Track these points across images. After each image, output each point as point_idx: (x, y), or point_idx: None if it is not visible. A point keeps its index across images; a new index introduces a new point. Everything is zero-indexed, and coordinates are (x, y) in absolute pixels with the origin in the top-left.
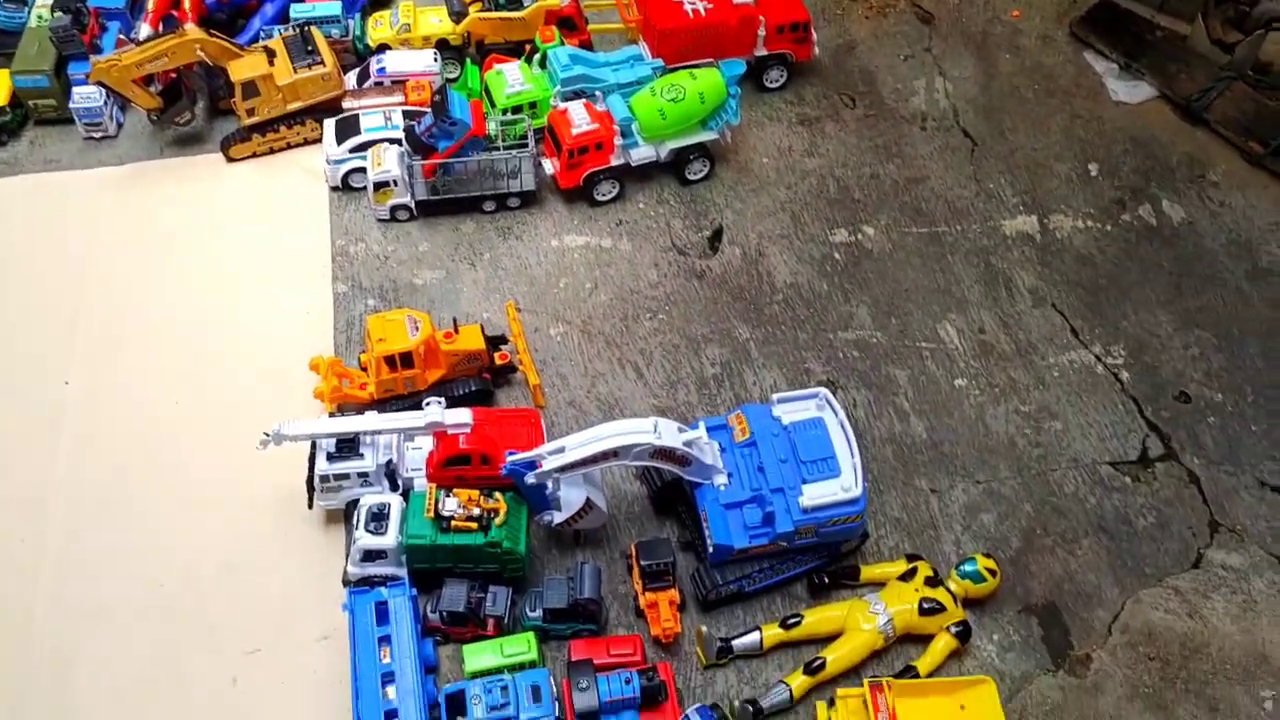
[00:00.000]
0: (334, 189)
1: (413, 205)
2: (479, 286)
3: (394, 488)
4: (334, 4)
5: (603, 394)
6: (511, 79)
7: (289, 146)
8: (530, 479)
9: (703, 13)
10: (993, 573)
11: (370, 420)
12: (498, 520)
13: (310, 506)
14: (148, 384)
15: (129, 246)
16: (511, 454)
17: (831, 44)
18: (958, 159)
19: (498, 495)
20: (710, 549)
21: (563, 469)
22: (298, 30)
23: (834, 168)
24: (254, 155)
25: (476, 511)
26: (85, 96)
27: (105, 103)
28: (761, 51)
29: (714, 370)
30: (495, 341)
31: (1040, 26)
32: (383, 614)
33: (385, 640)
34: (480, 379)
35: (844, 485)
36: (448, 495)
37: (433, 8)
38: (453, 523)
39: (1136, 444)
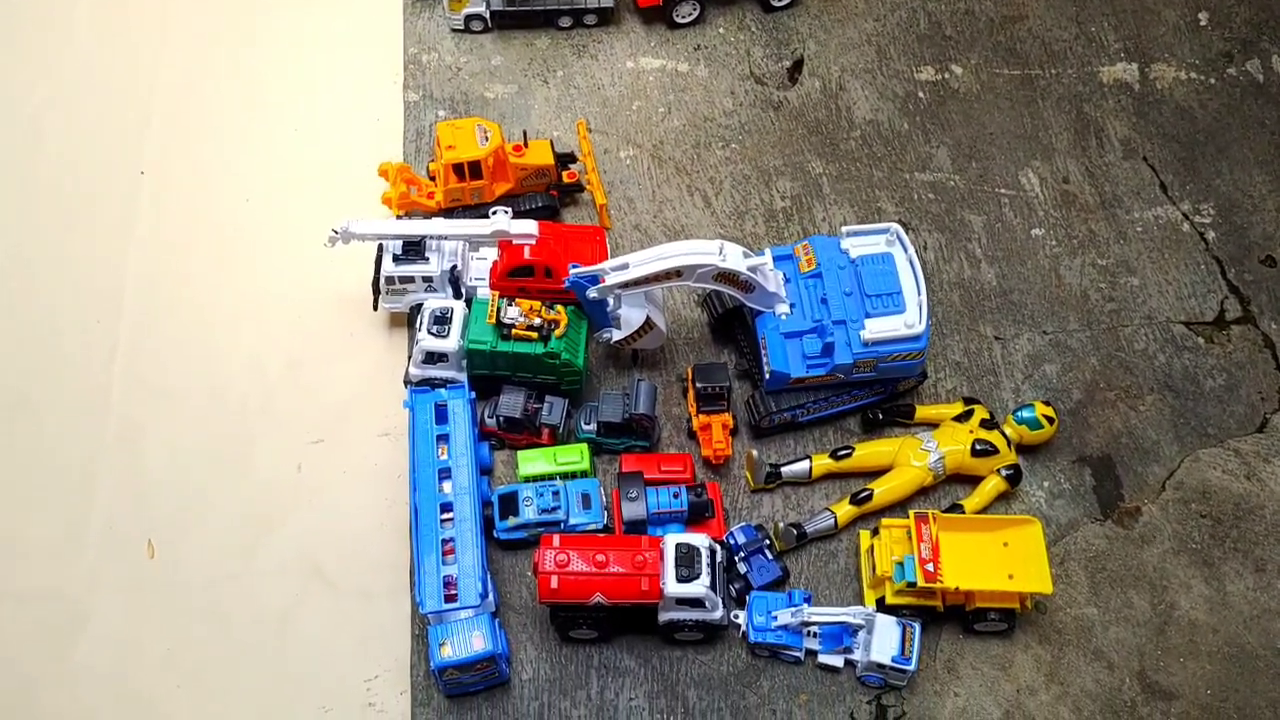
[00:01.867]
0: None
1: (488, 16)
2: (551, 104)
3: (458, 295)
4: None
5: (669, 220)
6: None
7: None
8: (592, 293)
9: None
10: (1050, 420)
11: (437, 225)
12: (558, 331)
13: (375, 308)
14: (220, 179)
15: (206, 37)
16: (575, 267)
17: None
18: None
19: (559, 308)
20: (767, 375)
21: (625, 285)
22: None
23: (927, 1)
24: None
25: (537, 321)
26: None
27: None
28: None
29: (784, 203)
30: (564, 160)
31: None
32: (441, 414)
33: (443, 439)
34: (548, 195)
35: (908, 321)
36: (510, 304)
37: None
38: (513, 330)
39: (1214, 305)
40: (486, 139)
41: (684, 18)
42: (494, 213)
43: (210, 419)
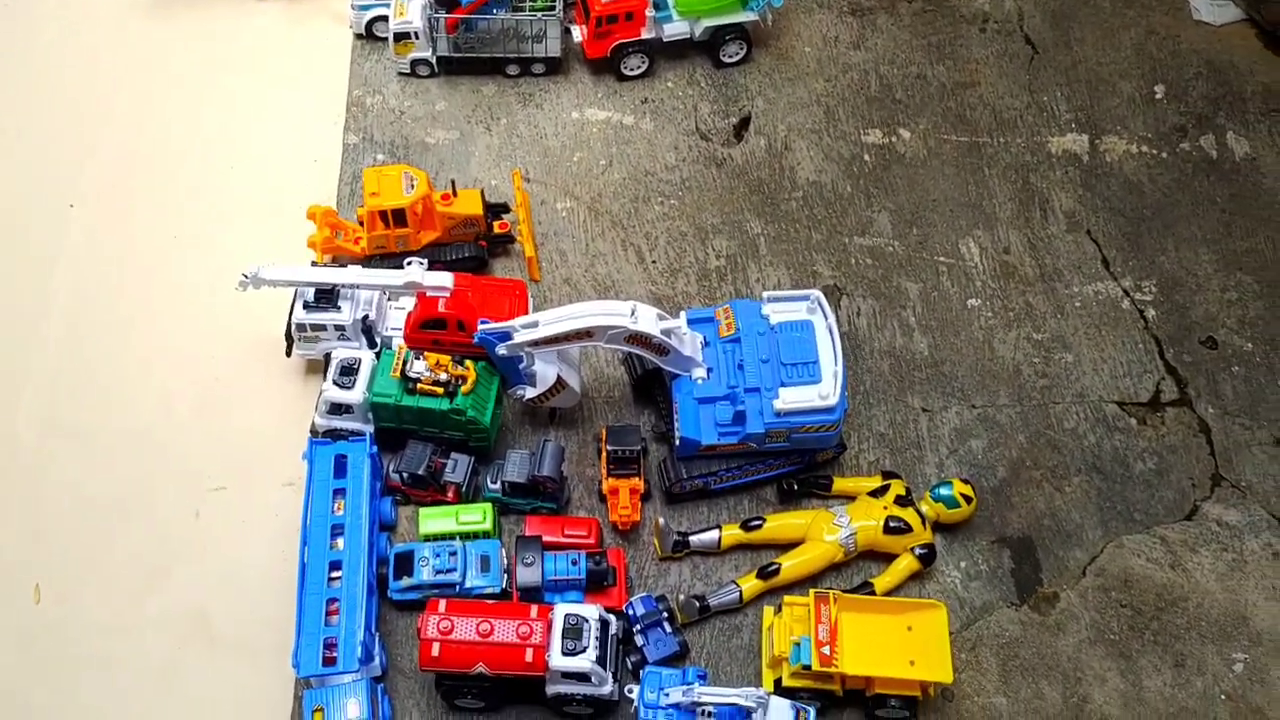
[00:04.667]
0: (358, 36)
1: (434, 61)
2: (491, 152)
3: (371, 344)
4: None
5: (600, 275)
6: None
7: None
8: (502, 350)
9: None
10: (968, 499)
11: (349, 274)
12: (464, 388)
13: (288, 354)
14: (151, 214)
15: (147, 75)
16: (484, 323)
17: None
18: (1014, 66)
19: (468, 363)
20: (677, 441)
21: (535, 343)
22: None
23: (880, 64)
24: None
25: (443, 377)
26: None
27: None
28: None
29: (718, 263)
30: (497, 209)
31: None
32: (341, 467)
33: (340, 494)
34: (476, 245)
35: (822, 393)
36: (417, 357)
37: None
38: (418, 385)
39: (1150, 385)
40: (413, 187)
41: (632, 70)
42: (409, 263)
43: (114, 459)
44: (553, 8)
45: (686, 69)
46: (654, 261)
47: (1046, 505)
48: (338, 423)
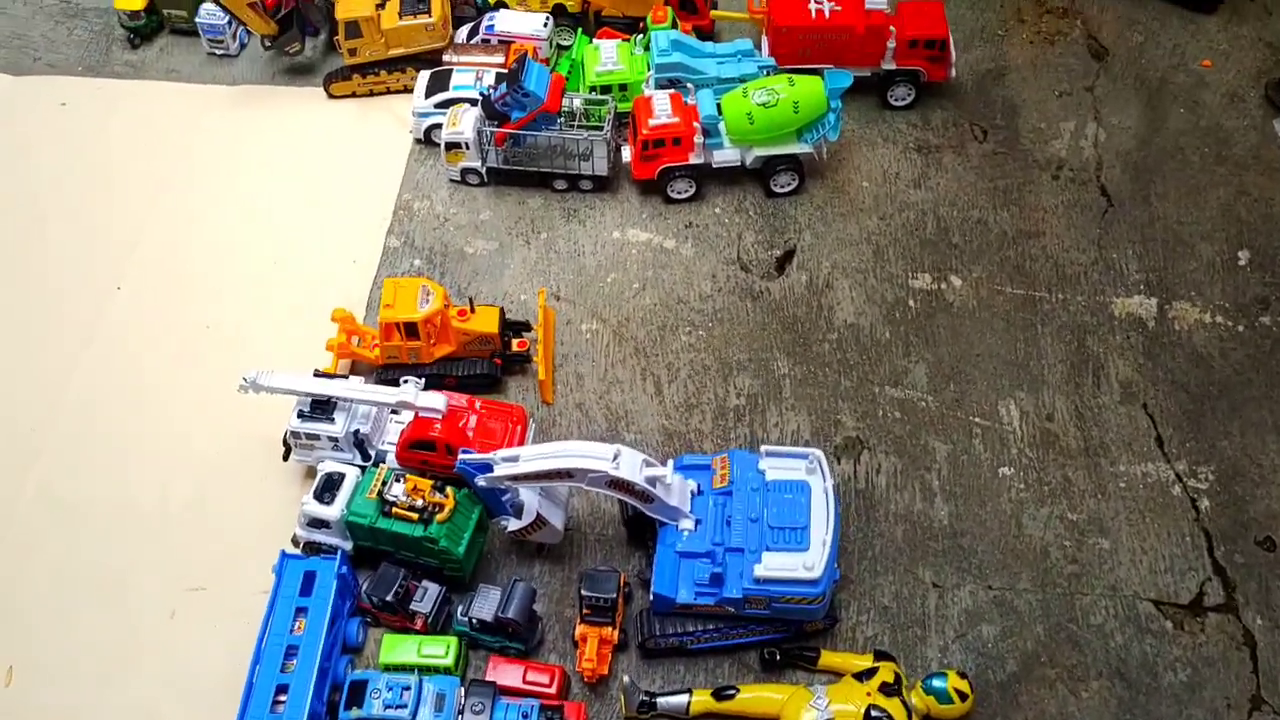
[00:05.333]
0: (417, 141)
1: (483, 171)
2: (527, 265)
3: (365, 458)
4: None
5: (615, 403)
6: (605, 56)
7: (389, 91)
8: (480, 481)
9: (827, 14)
10: (963, 695)
11: (342, 386)
12: (440, 516)
13: (285, 459)
14: (188, 301)
15: (213, 165)
16: (465, 452)
17: (980, 66)
18: (1084, 219)
19: (449, 490)
20: (652, 596)
21: (514, 478)
22: None
23: (939, 205)
24: (354, 95)
25: (419, 503)
26: (210, 12)
27: (228, 21)
28: (890, 65)
29: (738, 401)
30: (517, 327)
31: (1231, 82)
32: (310, 583)
33: (303, 613)
34: (490, 363)
35: (806, 563)
36: (397, 479)
37: None
38: (394, 509)
39: (1193, 585)
40: (428, 301)
41: (679, 194)
42: (404, 381)
43: (103, 542)
44: (600, 127)
45: (736, 196)
46: (672, 394)
47: (1059, 710)
48: (318, 536)
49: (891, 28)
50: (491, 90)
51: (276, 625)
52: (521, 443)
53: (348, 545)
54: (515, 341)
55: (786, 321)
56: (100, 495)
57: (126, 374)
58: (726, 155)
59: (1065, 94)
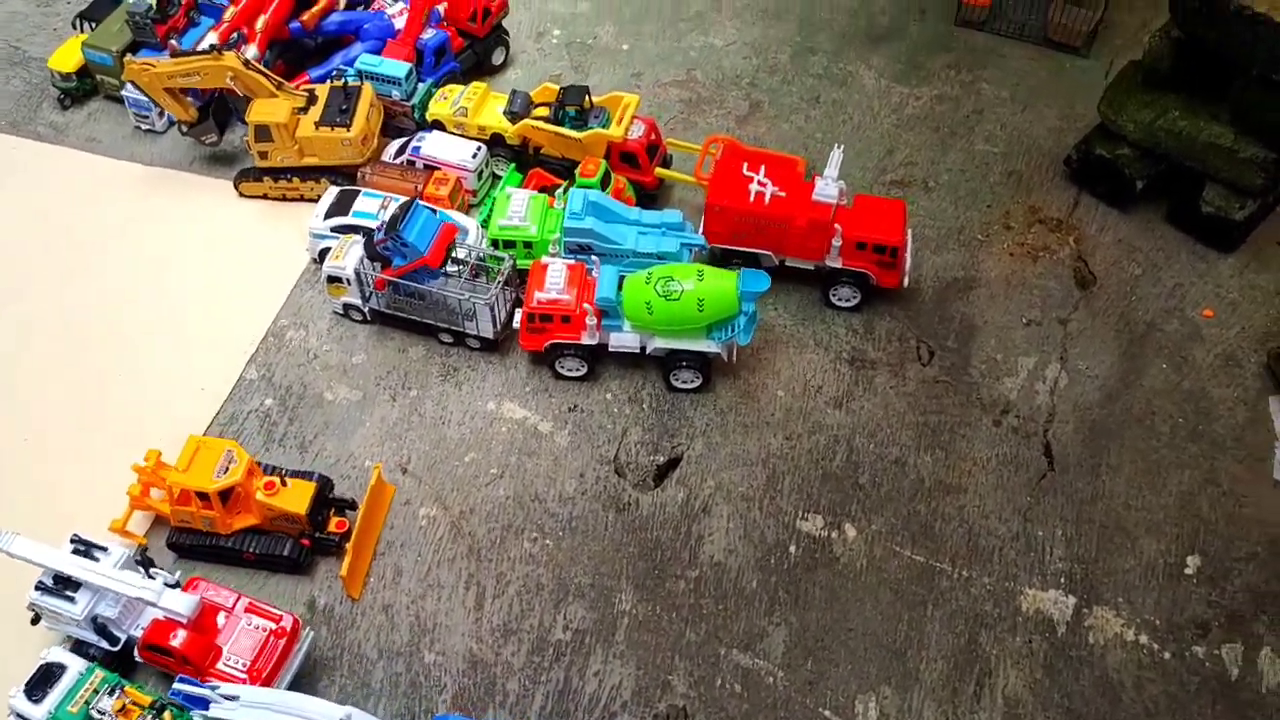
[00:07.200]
0: (314, 260)
1: (365, 311)
2: (384, 426)
3: (113, 642)
4: (403, 65)
5: (426, 612)
6: (512, 210)
7: (302, 199)
8: (196, 717)
9: (768, 199)
10: None
11: (85, 567)
12: None
13: (33, 624)
14: (37, 388)
15: (104, 246)
16: (183, 679)
17: (947, 273)
18: (1017, 481)
19: (167, 715)
20: None
21: None
22: (344, 84)
23: (857, 433)
24: (264, 196)
25: None
26: (136, 88)
27: None
28: (835, 263)
29: (563, 636)
30: (340, 504)
31: (1231, 341)
32: None
33: None
34: (297, 543)
35: None
36: (111, 691)
37: (505, 95)
38: None
39: None
40: (227, 469)
41: (568, 371)
42: (154, 574)
43: None
44: (488, 286)
45: (635, 382)
46: (493, 612)
47: None
48: None
49: (838, 225)
50: (375, 231)
51: None
52: (283, 661)
53: None
54: (335, 520)
55: (646, 546)
56: None
57: None
58: (625, 340)
59: (1034, 323)
